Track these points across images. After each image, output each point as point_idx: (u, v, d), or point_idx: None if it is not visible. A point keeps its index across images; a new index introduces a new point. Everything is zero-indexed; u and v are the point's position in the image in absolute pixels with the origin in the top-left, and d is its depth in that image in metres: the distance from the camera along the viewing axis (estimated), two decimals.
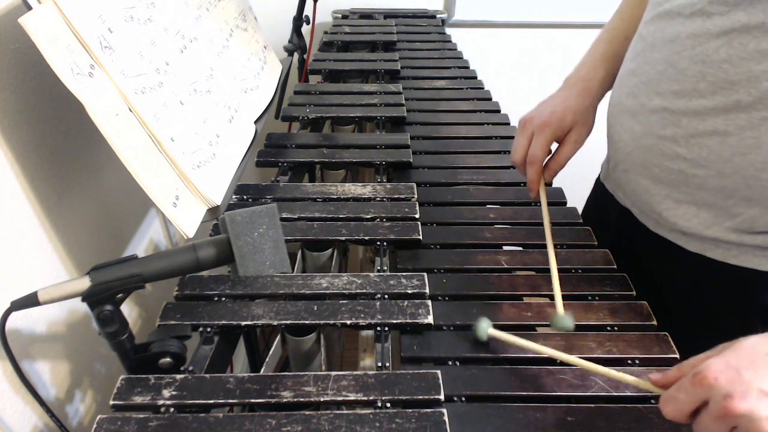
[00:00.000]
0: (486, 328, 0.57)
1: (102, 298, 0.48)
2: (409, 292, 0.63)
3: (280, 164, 0.87)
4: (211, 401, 0.51)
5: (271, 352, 0.82)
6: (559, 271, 0.67)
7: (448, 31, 1.57)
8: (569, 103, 0.72)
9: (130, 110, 0.60)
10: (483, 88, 1.15)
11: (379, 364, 0.56)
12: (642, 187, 0.68)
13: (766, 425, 0.38)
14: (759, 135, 0.54)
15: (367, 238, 0.71)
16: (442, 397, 0.51)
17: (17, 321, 0.62)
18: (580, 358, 0.57)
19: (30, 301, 0.49)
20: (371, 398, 0.51)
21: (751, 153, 0.55)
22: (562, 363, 0.56)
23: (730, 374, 0.39)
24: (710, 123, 0.57)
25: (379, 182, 0.84)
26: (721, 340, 0.45)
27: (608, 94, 0.76)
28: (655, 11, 0.64)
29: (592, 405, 0.52)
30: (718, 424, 0.40)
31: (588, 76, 0.74)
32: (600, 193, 0.82)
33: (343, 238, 0.71)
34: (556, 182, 0.85)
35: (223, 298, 0.62)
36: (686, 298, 0.69)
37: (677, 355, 0.57)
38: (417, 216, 0.75)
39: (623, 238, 0.75)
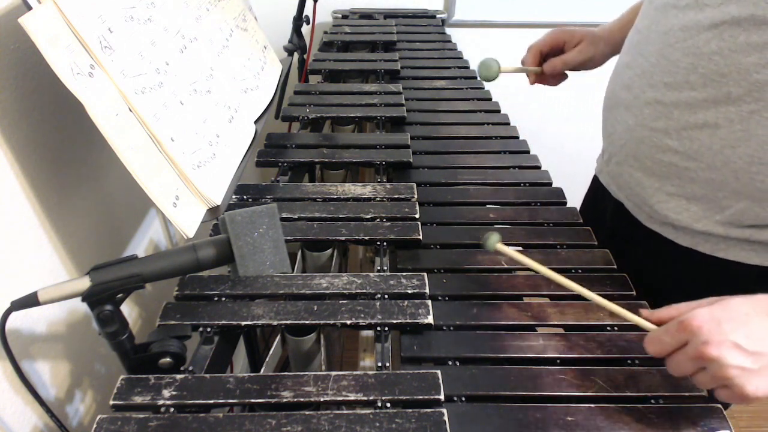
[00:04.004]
0: (495, 242, 0.61)
1: (102, 298, 0.48)
2: (409, 292, 0.63)
3: (280, 164, 0.87)
4: (211, 401, 0.51)
5: (271, 352, 0.82)
6: (559, 271, 0.67)
7: (448, 31, 1.57)
8: (587, 29, 0.85)
9: (130, 110, 0.60)
10: (483, 88, 1.15)
11: (379, 364, 0.56)
12: (635, 180, 0.68)
13: (730, 372, 0.44)
14: (748, 128, 0.55)
15: (367, 238, 0.71)
16: (442, 397, 0.51)
17: (17, 321, 0.62)
18: (579, 358, 0.57)
19: (30, 301, 0.49)
20: (371, 398, 0.51)
21: (740, 146, 0.56)
22: (562, 362, 0.56)
23: (711, 325, 0.45)
24: (701, 115, 0.58)
25: (379, 182, 0.84)
26: None
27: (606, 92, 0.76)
28: (651, 5, 0.64)
29: (592, 405, 0.52)
30: (690, 363, 0.46)
31: (612, 24, 0.85)
32: (596, 188, 0.82)
33: (343, 238, 0.71)
34: (556, 182, 0.85)
35: (223, 298, 0.62)
36: (678, 293, 0.69)
37: None
38: (417, 216, 0.75)
39: (617, 233, 0.76)
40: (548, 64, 0.85)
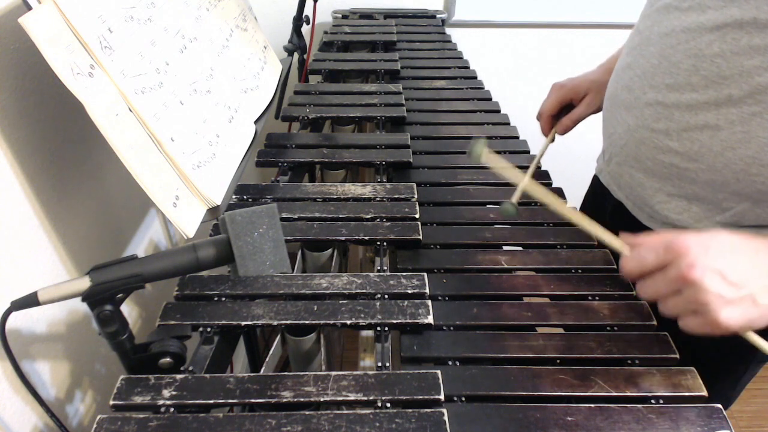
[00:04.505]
0: (481, 148, 0.60)
1: (102, 298, 0.49)
2: (409, 292, 0.63)
3: (280, 164, 0.87)
4: (211, 401, 0.51)
5: (271, 352, 0.82)
6: (559, 271, 0.67)
7: (448, 31, 1.57)
8: (590, 76, 0.85)
9: (130, 110, 0.60)
10: (483, 88, 1.15)
11: (379, 364, 0.56)
12: (635, 180, 0.68)
13: (707, 297, 0.44)
14: (749, 130, 0.55)
15: (367, 238, 0.71)
16: (442, 397, 0.51)
17: (17, 321, 0.62)
18: (579, 358, 0.57)
19: (30, 301, 0.49)
20: (371, 398, 0.51)
21: (741, 147, 0.56)
22: (562, 362, 0.56)
23: (699, 249, 0.45)
24: (702, 117, 0.58)
25: (379, 182, 0.84)
26: (719, 338, 0.46)
27: (606, 93, 0.76)
28: (653, 6, 0.64)
29: (592, 405, 0.52)
30: (668, 284, 0.46)
31: (613, 62, 0.81)
32: (596, 187, 0.83)
33: (343, 238, 0.71)
34: (556, 182, 0.85)
35: (223, 298, 0.62)
36: None
37: (677, 355, 0.57)
38: (417, 216, 0.75)
39: (617, 233, 0.76)
40: (560, 126, 0.86)
